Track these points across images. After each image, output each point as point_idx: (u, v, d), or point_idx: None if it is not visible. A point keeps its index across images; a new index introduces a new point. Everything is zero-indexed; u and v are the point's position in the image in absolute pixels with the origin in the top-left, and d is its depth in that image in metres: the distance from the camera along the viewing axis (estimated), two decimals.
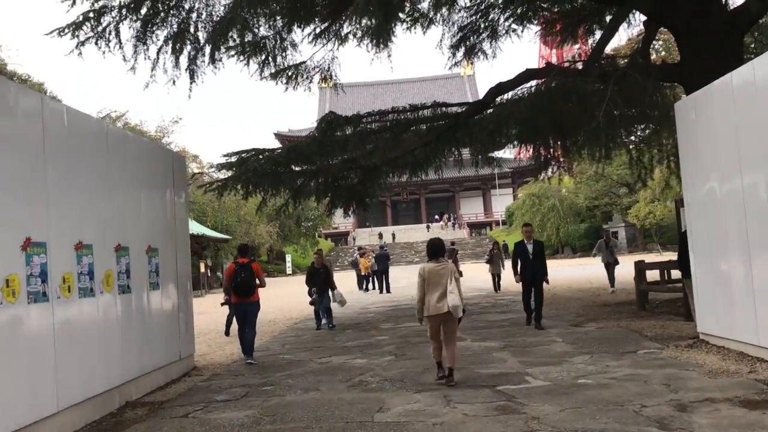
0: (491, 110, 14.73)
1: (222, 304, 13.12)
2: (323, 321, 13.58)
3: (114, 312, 7.26)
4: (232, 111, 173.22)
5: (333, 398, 6.80)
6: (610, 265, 18.19)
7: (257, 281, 9.68)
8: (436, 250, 7.34)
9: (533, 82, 13.99)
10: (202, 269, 32.27)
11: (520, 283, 11.58)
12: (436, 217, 76.02)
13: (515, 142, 14.66)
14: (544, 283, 11.44)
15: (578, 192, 48.51)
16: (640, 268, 12.84)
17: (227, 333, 13.43)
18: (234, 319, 10.92)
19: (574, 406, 5.77)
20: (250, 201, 32.16)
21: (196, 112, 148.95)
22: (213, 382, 8.34)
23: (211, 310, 21.15)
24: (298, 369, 8.75)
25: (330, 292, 13.70)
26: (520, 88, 13.87)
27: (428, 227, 72.60)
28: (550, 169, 16.25)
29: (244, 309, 9.72)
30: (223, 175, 20.74)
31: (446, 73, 77.69)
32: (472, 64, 19.79)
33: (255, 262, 10.73)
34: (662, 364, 7.36)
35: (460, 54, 17.57)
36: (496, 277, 21.11)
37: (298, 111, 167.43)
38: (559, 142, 13.32)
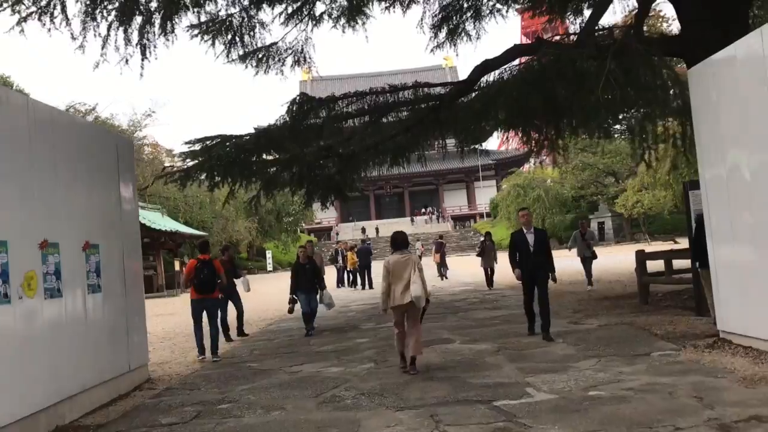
0: (477, 91, 13.69)
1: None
2: (305, 325, 11.56)
3: (39, 320, 6.08)
4: (217, 108, 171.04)
5: (299, 419, 5.69)
6: (587, 260, 16.12)
7: (218, 279, 9.80)
8: (400, 242, 7.68)
9: (520, 61, 12.93)
10: (177, 267, 30.98)
11: (521, 281, 9.32)
12: (424, 210, 74.96)
13: (503, 125, 13.53)
14: (550, 282, 9.16)
15: (564, 182, 47.72)
16: (642, 258, 11.83)
17: (227, 335, 11.62)
18: (201, 317, 10.02)
19: (590, 429, 4.71)
20: (224, 195, 31.01)
21: (179, 110, 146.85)
22: (164, 398, 7.19)
23: (183, 310, 19.93)
24: (264, 381, 7.62)
25: (319, 292, 11.83)
26: (507, 66, 12.81)
27: (412, 221, 71.60)
28: (540, 155, 15.08)
29: (205, 306, 9.67)
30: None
31: (428, 65, 76.99)
32: (455, 45, 18.61)
33: (216, 259, 10.73)
34: (684, 370, 6.33)
35: (442, 35, 16.39)
36: (489, 271, 18.79)
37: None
38: (551, 124, 12.22)
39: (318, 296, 11.88)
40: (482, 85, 13.32)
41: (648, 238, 43.03)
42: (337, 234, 64.81)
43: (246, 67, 15.76)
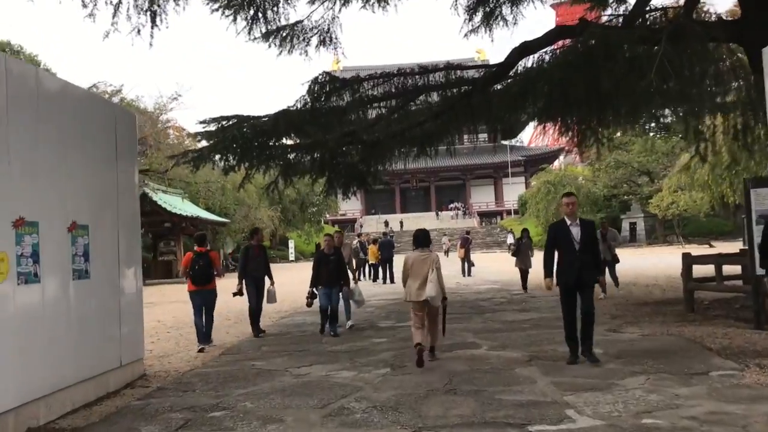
0: (512, 79, 12.71)
1: (234, 294, 10.53)
2: (329, 326, 10.25)
3: (9, 308, 5.34)
4: (243, 95, 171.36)
5: None
6: (608, 264, 13.90)
7: (214, 270, 9.95)
8: (421, 239, 7.80)
9: (563, 43, 11.93)
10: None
11: (551, 287, 7.47)
12: (452, 205, 73.75)
13: (541, 114, 12.52)
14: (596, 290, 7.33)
15: (596, 180, 46.26)
16: (689, 261, 10.80)
17: (256, 331, 10.66)
18: (202, 309, 9.88)
19: None
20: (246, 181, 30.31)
21: (205, 94, 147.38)
22: (153, 400, 6.42)
23: None
24: (266, 384, 6.81)
25: (347, 287, 10.64)
26: (548, 49, 11.83)
27: (437, 215, 70.55)
28: (581, 147, 13.94)
29: (202, 297, 9.79)
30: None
31: (459, 57, 75.54)
32: (490, 30, 17.58)
33: (212, 251, 10.71)
34: (754, 396, 5.36)
35: (477, 18, 15.46)
36: (525, 273, 16.63)
37: None
38: (595, 113, 11.16)
39: (344, 292, 10.59)
40: (519, 70, 12.40)
41: (682, 240, 41.55)
42: (361, 226, 63.99)
43: (269, 46, 14.97)
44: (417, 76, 12.40)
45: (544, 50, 11.99)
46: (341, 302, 10.62)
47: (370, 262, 24.30)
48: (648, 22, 11.08)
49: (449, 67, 12.24)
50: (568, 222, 7.25)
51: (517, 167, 73.13)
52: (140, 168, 26.80)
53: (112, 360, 7.09)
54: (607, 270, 13.42)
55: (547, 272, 7.36)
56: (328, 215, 62.23)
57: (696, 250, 30.68)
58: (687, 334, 8.57)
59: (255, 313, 10.72)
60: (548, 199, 47.00)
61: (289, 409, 5.69)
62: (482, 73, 12.74)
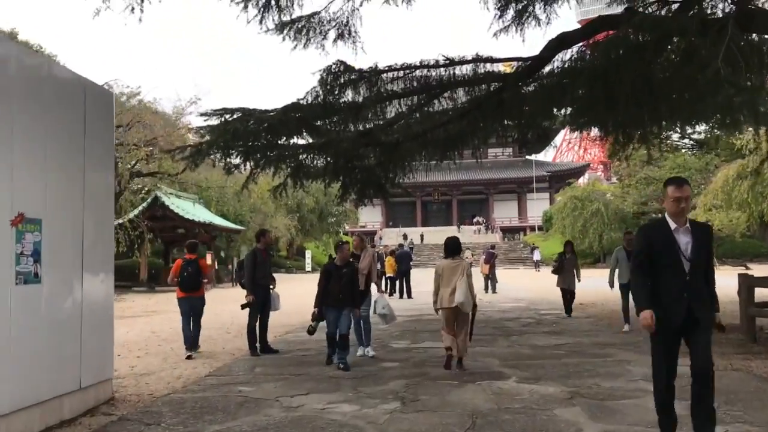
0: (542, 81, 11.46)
1: (243, 307, 9.50)
2: (336, 356, 8.15)
3: None
4: (264, 100, 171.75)
5: None
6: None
7: (203, 278, 9.92)
8: (452, 247, 7.88)
9: (607, 34, 10.64)
10: (209, 261, 29.43)
11: (650, 324, 4.41)
12: (475, 220, 72.34)
13: (579, 114, 11.24)
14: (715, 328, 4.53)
15: (625, 196, 44.59)
16: (749, 284, 9.41)
17: (253, 350, 9.43)
18: (190, 315, 9.76)
19: None
20: (262, 187, 29.20)
21: (224, 99, 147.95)
22: None
23: (207, 307, 18.19)
24: (248, 418, 5.58)
25: (369, 302, 8.99)
26: (590, 41, 10.60)
27: (459, 229, 69.16)
28: (625, 150, 12.51)
29: (190, 304, 9.72)
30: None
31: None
32: (522, 29, 16.34)
33: (202, 258, 10.68)
34: None
35: (509, 16, 14.24)
36: (568, 294, 14.07)
37: None
38: (643, 110, 9.83)
39: (368, 307, 8.93)
40: (556, 65, 11.15)
41: (716, 262, 39.74)
42: (381, 239, 62.84)
43: (283, 39, 13.86)
44: (441, 69, 11.18)
45: (585, 43, 10.81)
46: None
47: (386, 275, 22.98)
48: (705, 11, 9.77)
49: (478, 59, 10.99)
50: (673, 225, 4.43)
51: (541, 183, 71.63)
52: (151, 171, 25.92)
53: (69, 382, 5.93)
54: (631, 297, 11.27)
55: (645, 299, 4.43)
56: (347, 226, 61.11)
57: (731, 272, 29.03)
58: (756, 369, 7.22)
59: (254, 329, 9.51)
60: (575, 215, 45.45)
61: None
62: (515, 68, 11.48)
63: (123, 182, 23.86)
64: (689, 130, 40.55)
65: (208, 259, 29.47)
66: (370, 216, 72.95)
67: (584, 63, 9.65)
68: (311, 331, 8.43)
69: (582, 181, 69.14)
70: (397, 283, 22.16)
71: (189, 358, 9.24)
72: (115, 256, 25.02)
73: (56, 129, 5.84)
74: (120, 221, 25.40)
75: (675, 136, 43.23)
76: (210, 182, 28.34)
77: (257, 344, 9.50)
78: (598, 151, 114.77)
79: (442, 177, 73.27)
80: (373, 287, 9.37)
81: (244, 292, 9.51)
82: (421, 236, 64.16)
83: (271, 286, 9.74)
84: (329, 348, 8.36)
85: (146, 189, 28.15)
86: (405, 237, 57.19)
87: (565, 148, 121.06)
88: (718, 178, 34.06)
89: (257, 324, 9.55)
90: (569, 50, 10.91)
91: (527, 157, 75.84)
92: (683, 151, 44.88)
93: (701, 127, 39.57)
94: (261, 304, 9.57)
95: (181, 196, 29.48)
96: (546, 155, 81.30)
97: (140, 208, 27.60)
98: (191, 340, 9.62)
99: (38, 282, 5.46)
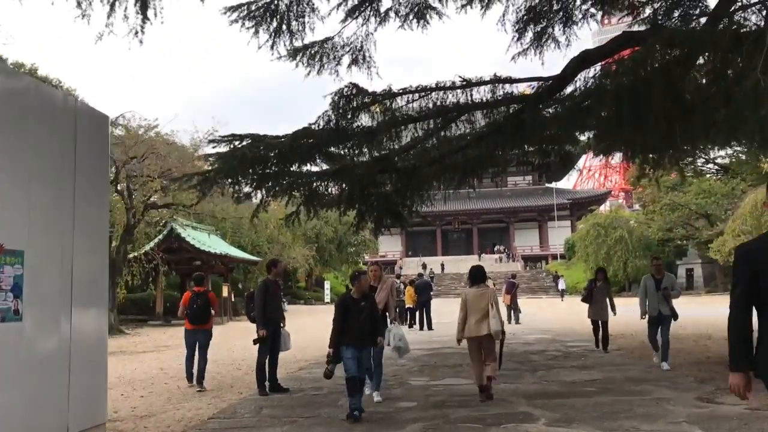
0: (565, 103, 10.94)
1: (255, 342, 8.88)
2: (353, 401, 6.86)
3: None
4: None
5: None
6: (664, 320, 9.91)
7: (212, 311, 9.90)
8: (477, 276, 7.94)
9: (632, 50, 10.13)
10: (225, 293, 28.99)
11: (747, 389, 2.97)
12: (496, 248, 71.55)
13: (603, 136, 10.70)
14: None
15: (650, 223, 43.61)
16: None
17: (262, 389, 8.81)
18: (195, 347, 9.84)
19: None
20: (279, 217, 28.75)
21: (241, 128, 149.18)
22: None
23: (218, 342, 17.67)
24: None
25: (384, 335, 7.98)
26: (614, 58, 10.10)
27: (479, 258, 68.29)
28: (655, 172, 11.90)
29: (197, 336, 9.77)
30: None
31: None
32: (541, 52, 15.94)
33: (211, 291, 10.68)
34: None
35: (527, 39, 13.80)
36: (601, 327, 12.61)
37: None
38: (674, 130, 9.25)
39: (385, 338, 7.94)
40: (579, 84, 10.67)
41: None
42: (401, 268, 62.14)
43: (296, 65, 13.56)
44: (458, 91, 10.74)
45: (608, 61, 10.32)
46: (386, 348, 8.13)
47: (406, 306, 22.28)
48: (734, 25, 9.25)
49: (496, 80, 10.55)
50: None
51: (562, 210, 70.74)
52: (166, 202, 25.66)
53: (55, 428, 5.42)
54: (659, 331, 9.98)
55: (742, 354, 3.00)
56: (367, 256, 60.57)
57: None
58: None
59: (264, 366, 8.97)
60: (598, 242, 44.53)
61: None
62: (534, 89, 11.01)
63: (137, 214, 23.55)
64: (713, 155, 39.80)
65: (224, 292, 29.10)
66: (390, 245, 72.43)
67: (609, 80, 9.13)
68: (328, 374, 7.10)
69: (603, 208, 68.25)
70: (417, 314, 21.48)
71: (201, 391, 9.33)
72: (131, 289, 24.66)
73: (43, 152, 5.43)
74: (134, 254, 25.14)
75: (699, 161, 42.44)
76: (226, 213, 28.02)
77: (266, 382, 8.95)
78: (619, 179, 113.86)
79: (461, 206, 72.88)
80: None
81: (256, 326, 9.00)
82: (442, 265, 63.40)
83: (282, 324, 9.23)
84: (350, 397, 6.85)
85: (163, 222, 27.89)
86: (424, 266, 56.39)
87: (585, 175, 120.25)
88: (747, 202, 33.19)
89: (267, 361, 9.03)
90: (592, 68, 10.47)
91: (547, 184, 75.15)
92: (707, 176, 43.96)
93: (726, 151, 38.91)
94: (271, 340, 9.06)
95: (198, 228, 29.22)
96: (567, 182, 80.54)
97: (156, 240, 27.34)
98: (194, 375, 9.73)
99: (19, 319, 5.00)
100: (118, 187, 23.39)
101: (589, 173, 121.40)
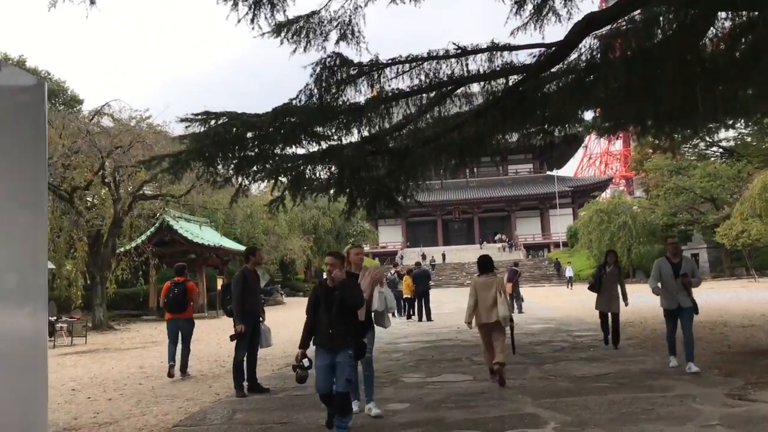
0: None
1: (232, 338, 8.17)
2: (336, 420, 5.65)
3: None
4: None
5: None
6: (684, 313, 8.07)
7: (190, 300, 9.92)
8: (485, 265, 7.99)
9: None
10: (219, 286, 28.18)
11: None
12: (497, 238, 70.74)
13: (612, 104, 9.82)
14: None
15: (654, 208, 42.68)
16: None
17: (240, 390, 7.99)
18: (177, 337, 9.90)
19: None
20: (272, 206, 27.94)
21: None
22: None
23: (209, 336, 16.92)
24: None
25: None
26: (621, 21, 9.20)
27: (482, 246, 67.44)
28: (669, 149, 11.05)
29: (177, 325, 9.78)
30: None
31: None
32: (541, 27, 15.02)
33: (190, 281, 10.32)
34: None
35: (526, 12, 12.89)
36: (610, 319, 10.84)
37: None
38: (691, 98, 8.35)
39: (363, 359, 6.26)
40: (584, 51, 9.76)
41: (755, 273, 37.65)
42: (402, 258, 61.32)
43: (281, 42, 12.67)
44: (453, 61, 9.84)
45: (615, 24, 9.41)
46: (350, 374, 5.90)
47: (404, 296, 21.41)
48: None
49: (494, 47, 9.65)
50: None
51: (564, 198, 69.74)
52: (155, 193, 24.83)
53: None
54: (679, 322, 8.15)
55: None
56: (367, 247, 59.69)
57: None
58: None
59: (242, 365, 8.16)
60: (601, 228, 43.60)
61: None
62: (536, 57, 10.09)
63: (123, 205, 22.69)
64: (717, 138, 38.84)
65: (219, 284, 28.28)
66: (390, 236, 71.63)
67: (619, 43, 8.25)
68: (300, 379, 5.81)
69: (604, 195, 67.33)
70: (416, 304, 20.63)
71: (172, 368, 9.56)
72: (123, 284, 23.76)
73: None
74: (124, 248, 24.34)
75: (702, 144, 41.51)
76: (218, 203, 27.17)
77: (245, 383, 8.13)
78: (620, 166, 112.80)
79: (462, 195, 72.05)
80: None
81: (233, 321, 8.19)
82: (443, 255, 62.51)
83: (261, 318, 8.42)
84: (328, 405, 5.75)
85: (157, 215, 27.06)
86: (423, 256, 55.52)
87: (586, 163, 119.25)
88: (755, 185, 32.26)
89: (245, 359, 8.21)
90: (599, 32, 9.58)
91: (549, 172, 74.23)
92: (712, 159, 43.05)
93: (730, 132, 37.93)
94: (250, 336, 8.24)
95: (191, 220, 28.39)
96: (568, 170, 79.54)
97: (148, 233, 26.54)
98: (184, 361, 9.81)
99: None
100: (106, 179, 22.56)
101: (590, 161, 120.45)
